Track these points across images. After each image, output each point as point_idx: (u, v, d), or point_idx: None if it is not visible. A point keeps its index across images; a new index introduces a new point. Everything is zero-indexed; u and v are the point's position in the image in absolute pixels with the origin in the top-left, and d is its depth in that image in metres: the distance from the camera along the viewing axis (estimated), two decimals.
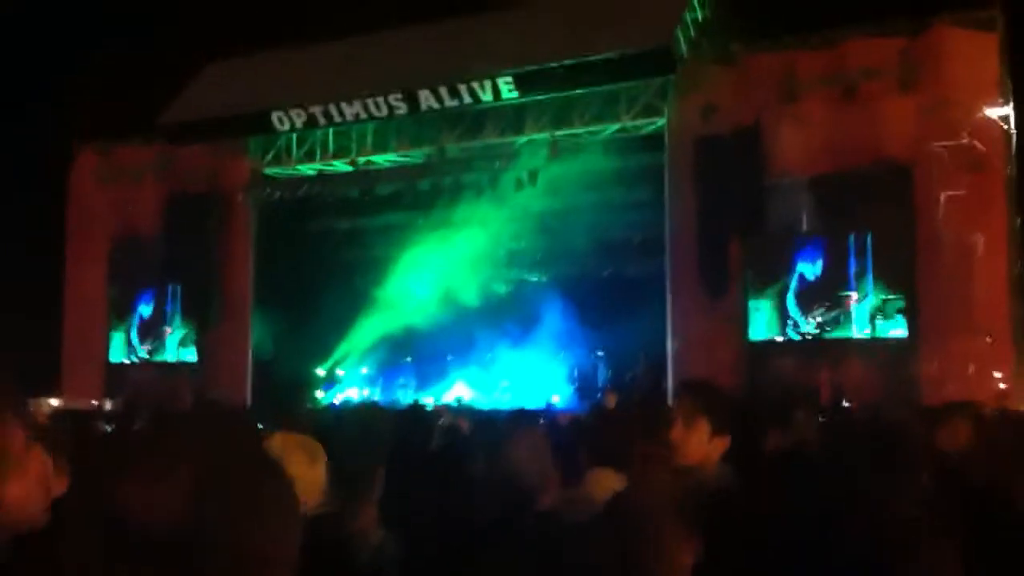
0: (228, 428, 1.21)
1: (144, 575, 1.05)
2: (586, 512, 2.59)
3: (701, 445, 3.56)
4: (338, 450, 3.05)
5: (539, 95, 14.98)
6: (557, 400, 16.06)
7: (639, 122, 15.10)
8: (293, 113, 16.27)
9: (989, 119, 12.89)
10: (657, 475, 3.20)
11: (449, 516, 2.57)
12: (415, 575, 2.45)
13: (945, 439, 4.77)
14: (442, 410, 9.29)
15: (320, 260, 17.97)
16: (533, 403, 14.43)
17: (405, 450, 3.69)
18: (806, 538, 3.12)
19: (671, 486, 3.21)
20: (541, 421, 6.30)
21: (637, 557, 2.20)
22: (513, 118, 15.66)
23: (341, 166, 17.04)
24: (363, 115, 15.88)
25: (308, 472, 2.88)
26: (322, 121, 16.26)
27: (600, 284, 16.76)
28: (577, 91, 14.81)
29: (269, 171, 17.66)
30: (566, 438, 4.18)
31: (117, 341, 18.78)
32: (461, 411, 10.63)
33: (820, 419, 5.92)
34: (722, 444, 3.60)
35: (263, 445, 1.17)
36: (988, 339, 12.48)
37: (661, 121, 14.86)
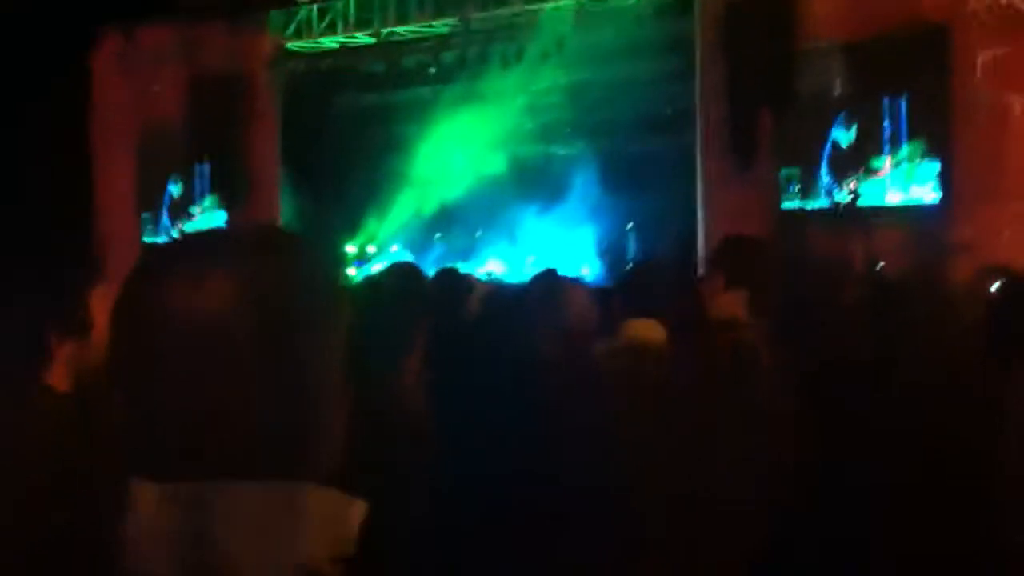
0: (275, 237, 1.18)
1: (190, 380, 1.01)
2: (636, 360, 2.60)
3: (722, 299, 3.57)
4: (378, 303, 3.06)
5: None
6: (587, 272, 16.09)
7: None
8: None
9: None
10: (701, 328, 3.21)
11: (495, 371, 2.59)
12: (462, 419, 2.49)
13: (978, 300, 4.76)
14: (474, 280, 9.29)
15: (347, 137, 17.86)
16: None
17: (445, 309, 3.71)
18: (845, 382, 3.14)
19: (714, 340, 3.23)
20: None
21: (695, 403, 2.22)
22: None
23: (364, 39, 16.72)
24: None
25: None
26: None
27: (630, 157, 16.52)
28: None
29: (291, 46, 17.39)
30: (601, 299, 4.18)
31: (150, 224, 18.90)
32: (493, 283, 10.66)
33: (856, 284, 5.89)
34: (742, 296, 3.60)
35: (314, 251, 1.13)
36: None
37: None
